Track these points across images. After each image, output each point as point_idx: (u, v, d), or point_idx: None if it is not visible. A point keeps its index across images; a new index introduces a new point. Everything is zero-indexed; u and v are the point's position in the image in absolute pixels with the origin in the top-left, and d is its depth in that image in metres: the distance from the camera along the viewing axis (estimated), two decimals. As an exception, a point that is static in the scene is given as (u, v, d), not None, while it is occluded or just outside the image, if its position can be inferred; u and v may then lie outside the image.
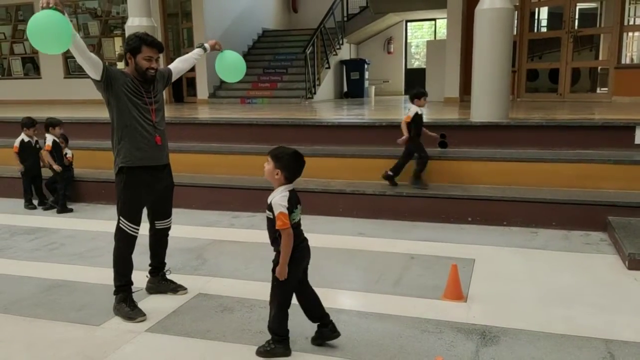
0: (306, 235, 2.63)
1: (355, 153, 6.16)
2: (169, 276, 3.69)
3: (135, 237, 3.33)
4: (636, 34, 10.71)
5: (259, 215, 5.55)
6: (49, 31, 2.71)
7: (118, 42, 13.31)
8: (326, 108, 10.19)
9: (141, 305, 3.35)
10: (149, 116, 3.27)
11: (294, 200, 2.68)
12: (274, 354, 2.77)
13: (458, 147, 6.05)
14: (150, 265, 3.67)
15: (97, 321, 3.20)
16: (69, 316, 3.29)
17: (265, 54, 13.65)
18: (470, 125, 6.15)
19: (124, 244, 3.32)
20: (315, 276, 3.87)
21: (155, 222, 3.54)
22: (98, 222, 5.31)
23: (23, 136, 6.16)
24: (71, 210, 5.81)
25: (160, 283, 3.64)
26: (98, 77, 3.12)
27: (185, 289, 3.62)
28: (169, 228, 3.61)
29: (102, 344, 2.94)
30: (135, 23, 7.36)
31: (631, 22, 10.44)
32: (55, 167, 5.90)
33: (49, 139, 5.94)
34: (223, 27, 12.67)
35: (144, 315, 3.23)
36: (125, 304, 3.26)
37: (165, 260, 3.72)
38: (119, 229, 3.31)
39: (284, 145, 2.83)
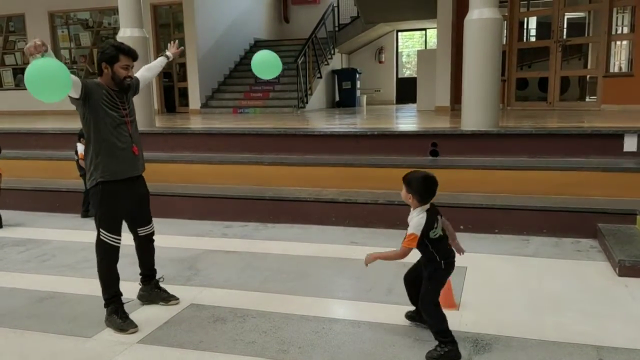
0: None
1: (347, 162, 6.18)
2: (162, 284, 3.67)
3: (117, 248, 3.30)
4: (624, 42, 10.85)
5: (252, 225, 5.57)
6: (52, 81, 2.68)
7: (110, 53, 13.30)
8: (318, 117, 10.23)
9: (133, 316, 3.34)
10: (125, 128, 3.30)
11: (432, 219, 2.85)
12: (447, 357, 2.77)
13: (449, 155, 6.09)
14: (140, 274, 3.65)
15: (89, 333, 3.19)
16: (61, 328, 3.27)
17: (257, 63, 13.68)
18: (460, 133, 6.20)
19: (107, 256, 3.28)
20: (307, 285, 3.90)
21: (138, 230, 3.51)
22: (89, 233, 5.27)
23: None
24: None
25: (152, 291, 3.63)
26: (77, 95, 3.10)
27: (177, 299, 3.61)
28: (152, 233, 3.58)
29: (94, 356, 2.92)
30: (127, 34, 7.37)
31: (619, 31, 10.58)
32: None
33: (80, 148, 5.86)
34: (215, 37, 12.71)
35: (136, 326, 3.21)
36: (117, 315, 3.24)
37: (157, 269, 3.70)
38: (100, 242, 3.26)
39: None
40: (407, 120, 9.35)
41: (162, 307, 3.55)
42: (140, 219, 3.49)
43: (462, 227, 5.12)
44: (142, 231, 3.52)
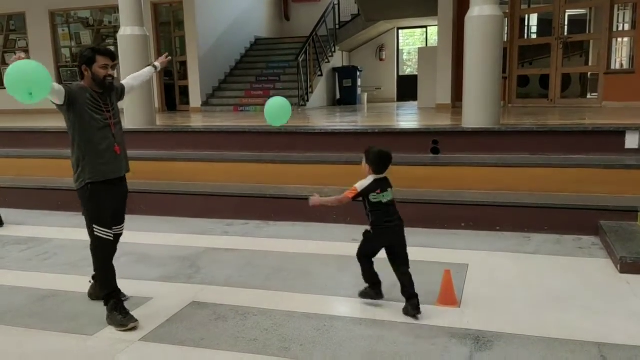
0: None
1: (348, 160, 6.17)
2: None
3: (111, 241, 3.36)
4: (625, 39, 10.82)
5: (253, 223, 5.57)
6: (31, 77, 2.73)
7: (110, 51, 13.30)
8: (319, 115, 10.22)
9: (134, 314, 3.34)
10: (109, 130, 3.36)
11: (376, 186, 3.37)
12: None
13: (450, 153, 6.08)
14: (94, 270, 3.57)
15: (91, 331, 3.19)
16: (63, 326, 3.28)
17: (258, 62, 13.69)
18: (462, 131, 6.19)
19: (103, 250, 3.34)
20: (308, 283, 3.90)
21: (114, 227, 3.46)
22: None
23: None
24: None
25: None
26: (61, 102, 3.19)
27: (127, 296, 3.55)
28: (121, 234, 3.60)
29: (96, 354, 2.92)
30: (128, 32, 7.36)
31: (620, 28, 10.55)
32: None
33: None
34: (216, 35, 12.70)
35: (136, 320, 3.22)
36: (117, 312, 3.25)
37: (159, 267, 3.70)
38: (95, 238, 3.31)
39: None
40: (408, 118, 9.35)
41: (163, 304, 3.54)
42: (117, 218, 3.51)
43: (463, 224, 5.12)
44: (116, 229, 3.50)
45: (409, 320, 3.21)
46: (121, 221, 3.56)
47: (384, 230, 3.38)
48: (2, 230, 5.64)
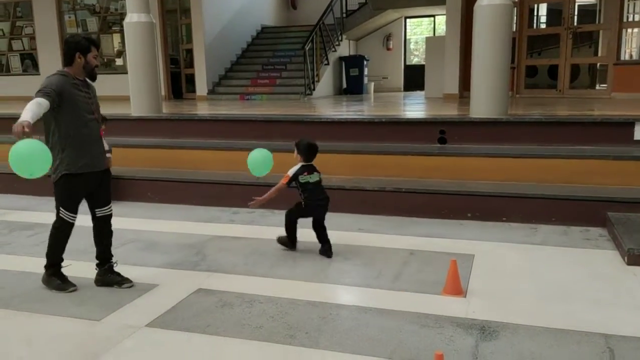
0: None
1: (355, 149, 6.15)
2: (116, 268, 3.75)
3: (73, 224, 3.60)
4: (635, 30, 10.69)
5: (259, 212, 5.56)
6: (35, 160, 2.98)
7: (117, 39, 13.28)
8: (325, 104, 10.18)
9: (139, 301, 3.39)
10: (94, 123, 3.55)
11: (304, 170, 4.21)
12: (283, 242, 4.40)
13: (457, 143, 6.05)
14: (96, 257, 3.75)
15: (97, 316, 3.21)
16: (69, 311, 3.30)
17: (264, 50, 13.63)
18: (469, 121, 6.16)
19: (64, 231, 3.58)
20: (314, 271, 3.90)
21: (96, 210, 3.66)
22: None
23: None
24: None
25: (106, 275, 3.71)
26: (49, 108, 3.28)
27: (131, 282, 3.67)
28: (110, 216, 3.74)
29: (102, 339, 2.94)
30: (134, 19, 7.33)
31: (630, 19, 10.42)
32: None
33: None
34: (222, 23, 12.64)
35: (74, 285, 3.57)
36: (56, 277, 3.59)
37: (164, 255, 3.72)
38: (60, 218, 3.55)
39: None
40: (415, 108, 9.30)
41: (170, 292, 3.56)
42: (100, 200, 3.65)
43: (469, 214, 5.10)
44: (100, 212, 3.67)
45: (415, 309, 3.21)
46: (103, 204, 3.68)
47: (316, 206, 4.24)
48: (9, 215, 5.66)
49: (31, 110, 3.13)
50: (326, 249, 4.23)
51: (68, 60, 3.49)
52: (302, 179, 4.19)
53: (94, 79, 3.59)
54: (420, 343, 2.82)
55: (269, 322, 3.08)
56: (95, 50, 3.52)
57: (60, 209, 3.55)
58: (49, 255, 3.63)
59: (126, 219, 5.30)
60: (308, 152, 4.24)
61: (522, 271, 3.85)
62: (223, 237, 4.80)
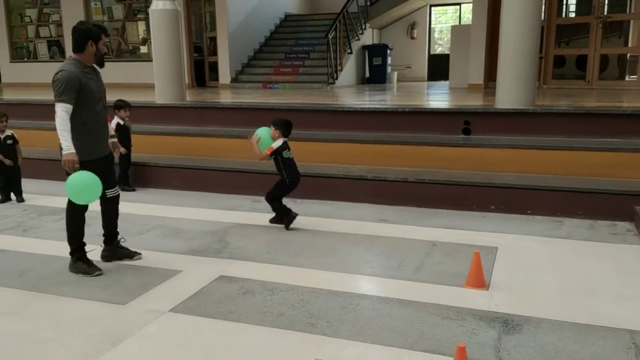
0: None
1: (377, 139, 6.12)
2: (123, 244, 3.95)
3: (87, 208, 3.72)
4: (668, 20, 10.37)
5: (281, 200, 5.59)
6: (92, 191, 3.44)
7: (141, 26, 13.38)
8: (348, 93, 10.13)
9: (163, 287, 3.44)
10: (103, 110, 3.71)
11: (285, 146, 4.63)
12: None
13: (482, 134, 5.98)
14: (103, 235, 3.92)
15: (123, 300, 3.27)
16: (95, 295, 3.36)
17: (288, 38, 13.59)
18: (494, 111, 6.07)
19: (79, 212, 3.67)
20: (336, 261, 3.91)
21: (106, 191, 3.75)
22: (123, 205, 5.39)
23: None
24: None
25: (115, 250, 3.91)
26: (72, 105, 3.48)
27: (140, 254, 3.91)
28: (118, 196, 3.91)
29: (127, 322, 2.99)
30: (159, 7, 7.38)
31: (663, 8, 10.11)
32: (122, 150, 5.64)
33: (113, 123, 5.79)
34: (245, 11, 12.63)
35: (100, 270, 3.67)
36: (82, 261, 3.68)
37: (187, 241, 3.76)
38: (72, 203, 3.59)
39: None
40: (438, 98, 9.20)
41: (193, 278, 3.60)
42: (107, 182, 3.72)
43: (493, 207, 5.04)
44: (110, 193, 3.81)
45: (437, 301, 3.19)
46: (110, 186, 3.81)
47: (296, 181, 4.67)
48: (37, 200, 5.78)
49: (67, 133, 3.42)
50: (291, 218, 4.60)
51: (79, 47, 3.56)
52: (286, 154, 4.59)
53: (102, 65, 3.70)
54: (442, 335, 2.80)
55: (290, 311, 3.10)
56: (105, 38, 3.63)
57: None
58: (70, 241, 3.72)
59: (151, 206, 5.38)
60: (286, 127, 4.64)
61: (547, 264, 3.80)
62: (245, 224, 4.84)
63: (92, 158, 3.59)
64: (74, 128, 3.48)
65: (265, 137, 4.66)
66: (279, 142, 4.58)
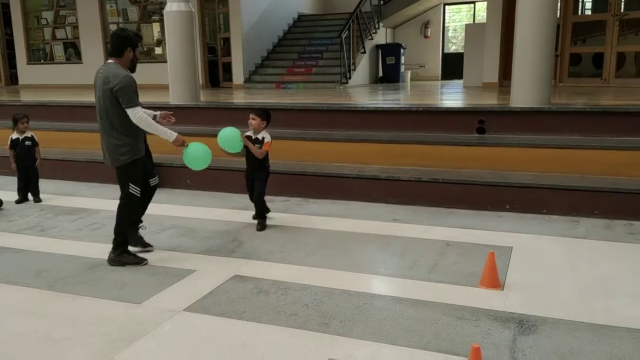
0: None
1: (390, 138, 6.11)
2: (141, 231, 4.20)
3: (140, 197, 3.94)
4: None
5: (293, 200, 5.61)
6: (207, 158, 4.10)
7: (156, 28, 13.48)
8: (361, 93, 10.12)
9: (177, 286, 3.47)
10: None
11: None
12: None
13: (497, 133, 5.93)
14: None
15: (138, 299, 3.30)
16: (111, 294, 3.40)
17: (301, 38, 13.61)
18: (510, 110, 6.02)
19: (134, 205, 3.93)
20: (349, 261, 3.90)
21: (150, 180, 4.11)
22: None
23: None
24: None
25: (133, 235, 4.08)
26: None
27: (152, 246, 4.14)
28: (157, 184, 4.24)
29: (142, 321, 3.02)
30: (174, 8, 7.43)
31: (682, 4, 9.94)
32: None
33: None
34: (259, 12, 12.67)
35: (146, 259, 3.89)
36: (127, 254, 3.89)
37: (201, 240, 3.80)
38: (129, 193, 3.85)
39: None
40: (452, 97, 9.15)
41: (207, 278, 3.62)
42: (149, 172, 4.13)
43: (508, 206, 5.00)
44: (153, 181, 4.15)
45: (451, 301, 3.18)
46: (152, 175, 4.17)
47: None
48: (54, 200, 5.85)
49: (155, 124, 3.85)
50: (262, 224, 4.71)
51: (118, 52, 3.78)
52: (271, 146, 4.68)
53: (134, 70, 3.89)
54: (457, 335, 2.79)
55: (303, 310, 3.10)
56: (139, 45, 3.94)
57: (130, 185, 3.84)
58: (118, 232, 3.87)
59: (166, 206, 5.42)
60: (269, 117, 4.71)
61: (562, 264, 3.76)
62: (259, 224, 4.85)
63: (141, 155, 3.89)
64: (125, 127, 3.74)
65: (233, 140, 4.50)
66: (268, 135, 4.65)
